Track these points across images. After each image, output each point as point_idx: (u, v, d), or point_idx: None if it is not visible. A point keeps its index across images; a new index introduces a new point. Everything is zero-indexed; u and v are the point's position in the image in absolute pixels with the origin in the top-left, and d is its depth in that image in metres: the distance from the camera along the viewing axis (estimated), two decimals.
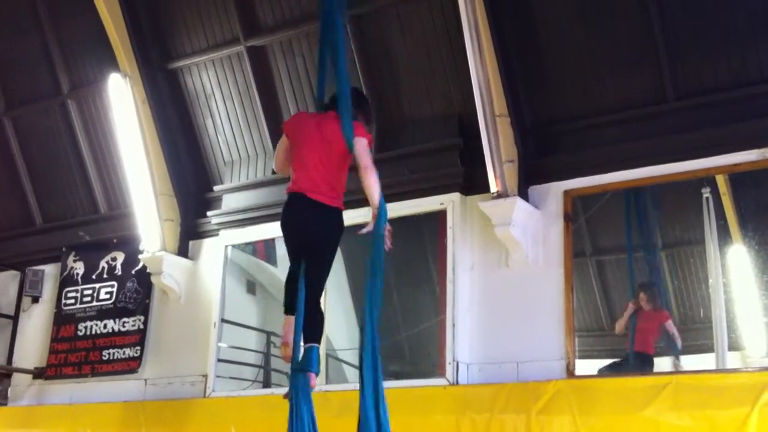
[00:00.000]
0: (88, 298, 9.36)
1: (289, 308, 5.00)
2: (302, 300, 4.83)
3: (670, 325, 6.71)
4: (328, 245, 5.01)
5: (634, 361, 6.84)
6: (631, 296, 6.96)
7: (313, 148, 5.04)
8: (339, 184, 5.08)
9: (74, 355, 9.21)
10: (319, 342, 4.87)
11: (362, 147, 5.00)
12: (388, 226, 4.90)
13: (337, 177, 5.07)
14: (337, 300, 8.51)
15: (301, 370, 4.72)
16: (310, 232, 4.92)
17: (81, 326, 9.29)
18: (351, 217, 7.27)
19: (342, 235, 5.11)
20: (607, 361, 7.03)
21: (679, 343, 6.65)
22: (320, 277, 4.99)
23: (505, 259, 7.08)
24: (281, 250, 9.22)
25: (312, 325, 4.87)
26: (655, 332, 6.82)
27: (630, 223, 7.11)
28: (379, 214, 4.87)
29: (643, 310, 6.86)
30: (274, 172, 8.44)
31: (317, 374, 4.84)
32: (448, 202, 7.30)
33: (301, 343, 4.88)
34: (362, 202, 5.14)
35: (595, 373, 6.69)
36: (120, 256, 9.28)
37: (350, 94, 5.19)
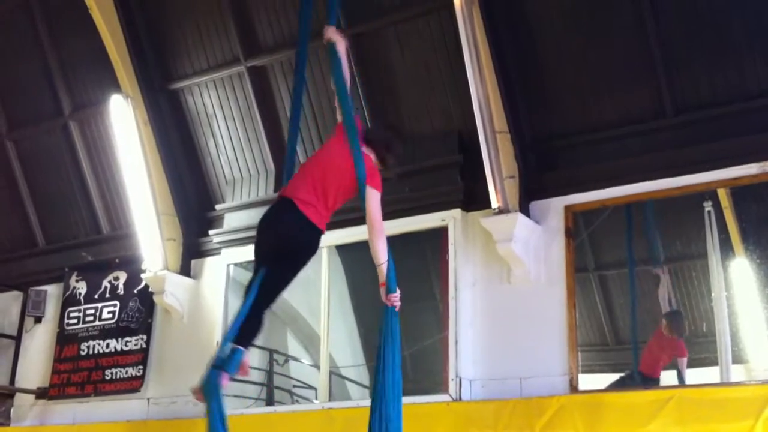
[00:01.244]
0: (91, 318, 9.36)
1: None
2: (251, 301, 4.69)
3: (682, 363, 6.65)
4: (298, 261, 4.85)
5: (639, 381, 6.81)
6: (633, 310, 6.96)
7: (324, 166, 4.88)
8: (332, 208, 4.92)
9: (77, 374, 9.20)
10: (246, 348, 4.74)
11: (374, 201, 4.76)
12: (397, 293, 4.76)
13: (333, 202, 4.90)
14: (339, 318, 8.50)
15: (219, 367, 4.60)
16: (287, 243, 4.77)
17: (84, 346, 9.28)
18: (350, 234, 7.38)
19: (313, 256, 4.96)
20: (612, 376, 7.00)
21: (685, 379, 6.60)
22: (277, 288, 4.84)
23: (507, 275, 7.07)
24: None
25: (249, 330, 4.74)
26: (666, 359, 6.79)
27: (631, 238, 7.11)
28: (388, 283, 4.74)
29: (662, 335, 6.83)
30: (275, 191, 8.50)
31: (231, 377, 4.67)
32: (449, 218, 7.31)
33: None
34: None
35: (598, 387, 6.66)
36: (122, 276, 9.29)
37: (376, 128, 5.06)
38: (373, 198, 4.76)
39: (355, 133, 4.89)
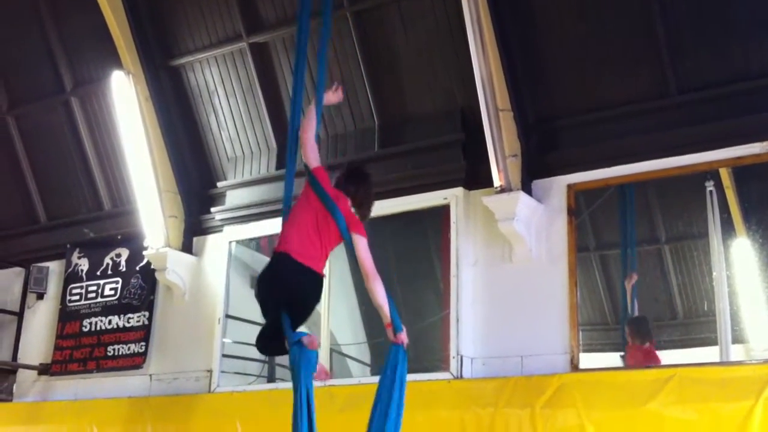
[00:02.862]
0: (93, 295, 9.39)
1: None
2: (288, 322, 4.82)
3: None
4: (307, 306, 4.95)
5: None
6: (623, 291, 6.98)
7: (311, 215, 4.90)
8: (325, 253, 4.93)
9: (79, 351, 9.24)
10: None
11: (362, 248, 4.80)
12: (403, 335, 4.82)
13: (327, 247, 4.92)
14: (340, 295, 8.52)
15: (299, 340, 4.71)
16: (293, 293, 4.82)
17: (86, 322, 9.32)
18: None
19: (319, 300, 5.05)
20: (613, 355, 7.03)
21: None
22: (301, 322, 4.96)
23: (509, 254, 7.07)
24: None
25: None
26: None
27: (626, 217, 7.13)
28: (394, 323, 4.79)
29: (630, 345, 6.84)
30: (277, 168, 8.50)
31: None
32: (452, 197, 7.31)
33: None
34: None
35: (599, 366, 6.67)
36: (124, 253, 9.31)
37: (340, 176, 5.10)
38: (360, 244, 4.81)
39: (319, 185, 4.92)
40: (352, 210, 5.03)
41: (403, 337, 4.83)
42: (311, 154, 5.07)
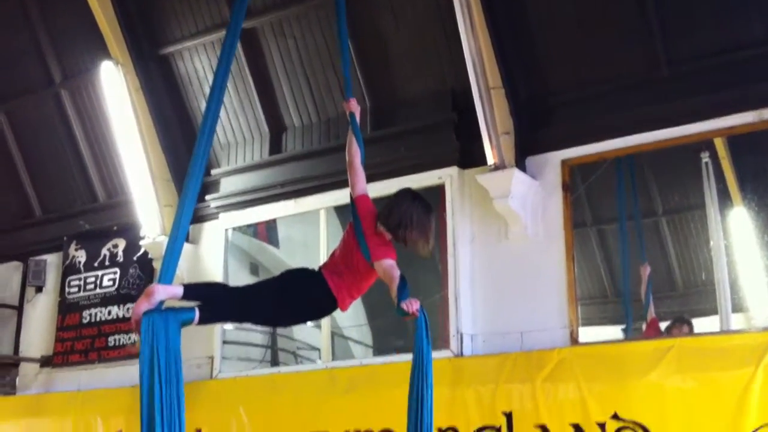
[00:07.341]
0: (92, 286, 9.40)
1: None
2: (241, 289, 4.55)
3: None
4: (299, 314, 4.71)
5: None
6: (624, 263, 6.97)
7: (343, 252, 4.56)
8: (357, 292, 4.54)
9: (80, 342, 9.26)
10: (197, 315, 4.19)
11: (386, 269, 4.30)
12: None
13: (359, 285, 4.51)
14: None
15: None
16: (301, 297, 4.50)
17: (85, 314, 9.33)
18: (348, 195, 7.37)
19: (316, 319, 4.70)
20: (612, 328, 7.06)
21: None
22: (263, 309, 4.52)
23: (505, 231, 7.07)
24: (282, 232, 9.22)
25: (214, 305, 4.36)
26: None
27: (623, 191, 7.11)
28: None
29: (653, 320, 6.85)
30: (270, 154, 8.48)
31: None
32: (446, 176, 7.30)
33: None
34: None
35: (599, 339, 6.70)
36: (121, 243, 9.30)
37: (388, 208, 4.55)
38: (380, 266, 4.35)
39: (356, 214, 4.57)
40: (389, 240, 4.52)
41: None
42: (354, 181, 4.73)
